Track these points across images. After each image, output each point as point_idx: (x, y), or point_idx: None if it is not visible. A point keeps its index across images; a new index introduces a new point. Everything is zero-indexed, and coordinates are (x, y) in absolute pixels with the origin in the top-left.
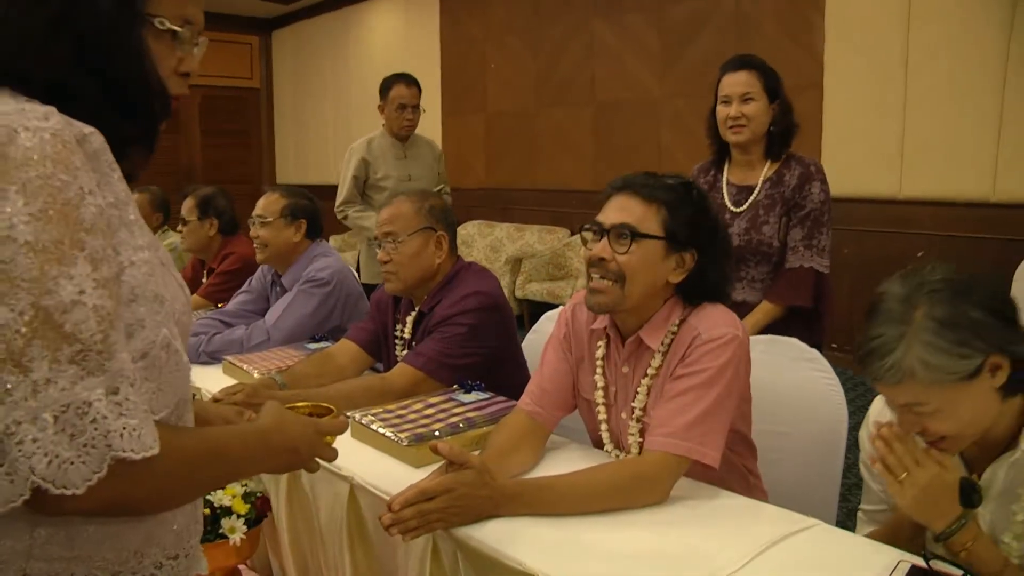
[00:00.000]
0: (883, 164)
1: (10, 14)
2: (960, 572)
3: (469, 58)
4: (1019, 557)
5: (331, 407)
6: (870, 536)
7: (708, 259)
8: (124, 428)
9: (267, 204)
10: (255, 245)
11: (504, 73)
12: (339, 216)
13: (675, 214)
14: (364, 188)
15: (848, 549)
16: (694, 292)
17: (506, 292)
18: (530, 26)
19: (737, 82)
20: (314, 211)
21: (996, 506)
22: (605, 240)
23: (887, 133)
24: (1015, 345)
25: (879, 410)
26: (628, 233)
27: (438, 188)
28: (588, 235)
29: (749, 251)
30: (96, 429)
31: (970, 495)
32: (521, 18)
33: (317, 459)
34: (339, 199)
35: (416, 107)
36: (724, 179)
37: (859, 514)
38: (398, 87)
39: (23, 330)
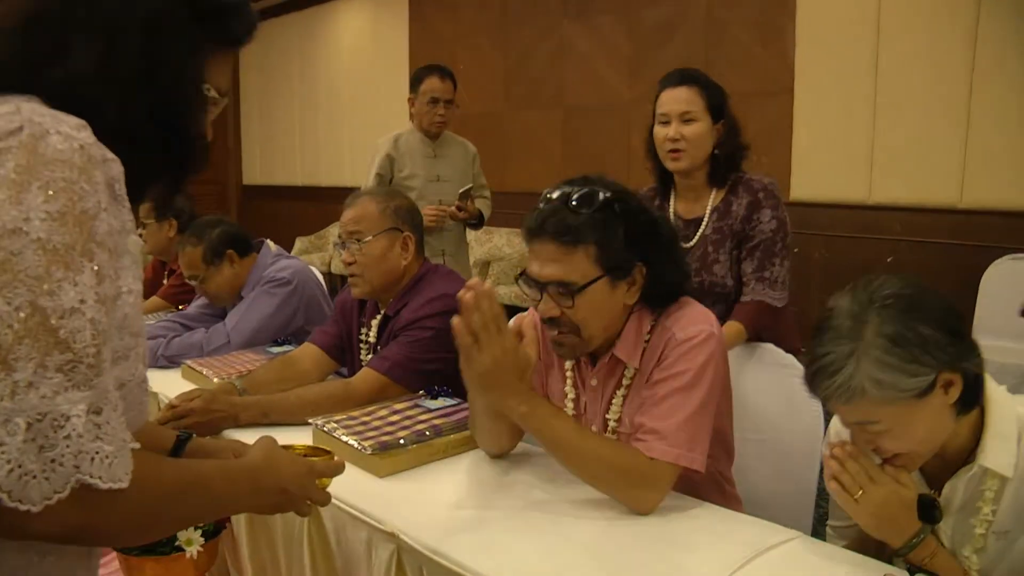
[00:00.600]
0: (853, 169)
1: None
2: None
3: (438, 59)
4: (979, 571)
5: (329, 450)
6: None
7: (658, 262)
8: (97, 453)
9: (189, 261)
10: (209, 299)
11: (473, 74)
12: None
13: (607, 246)
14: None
15: (830, 562)
16: (657, 298)
17: None
18: (500, 27)
19: (677, 99)
20: (231, 234)
21: (956, 520)
22: (546, 296)
23: (857, 139)
24: (966, 361)
25: (838, 428)
26: (567, 292)
27: (467, 189)
28: (526, 289)
29: (702, 293)
30: (68, 447)
31: (931, 511)
32: (491, 19)
33: (308, 503)
34: None
35: (450, 102)
36: (671, 210)
37: (828, 530)
38: (430, 79)
39: (15, 326)
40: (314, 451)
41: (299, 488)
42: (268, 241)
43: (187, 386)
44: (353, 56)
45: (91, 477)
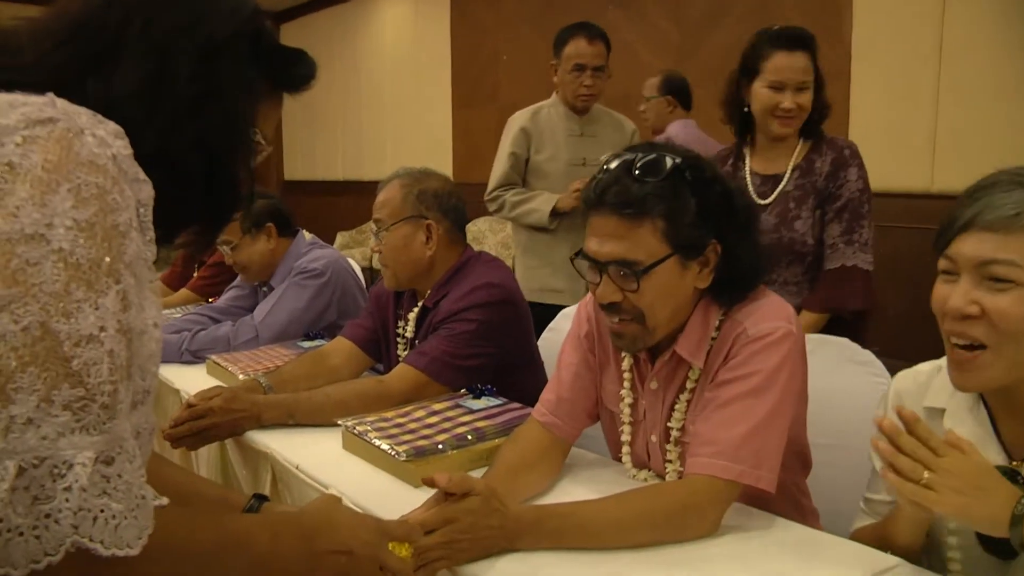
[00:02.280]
0: (914, 156)
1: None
2: None
3: (480, 49)
4: None
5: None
6: (858, 534)
7: (734, 241)
8: (102, 511)
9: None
10: (237, 271)
11: (516, 64)
12: (491, 207)
13: (676, 219)
14: (525, 171)
15: None
16: (729, 286)
17: None
18: (543, 16)
19: (795, 67)
20: (275, 209)
21: None
22: (607, 278)
23: (918, 123)
24: None
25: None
26: (631, 272)
27: None
28: (584, 270)
29: (780, 250)
30: (67, 501)
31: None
32: (533, 8)
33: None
34: (491, 183)
35: (600, 69)
36: (747, 168)
37: (860, 504)
38: (576, 41)
39: (20, 350)
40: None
41: (365, 547)
42: (303, 231)
43: (213, 383)
44: (394, 49)
45: (91, 541)
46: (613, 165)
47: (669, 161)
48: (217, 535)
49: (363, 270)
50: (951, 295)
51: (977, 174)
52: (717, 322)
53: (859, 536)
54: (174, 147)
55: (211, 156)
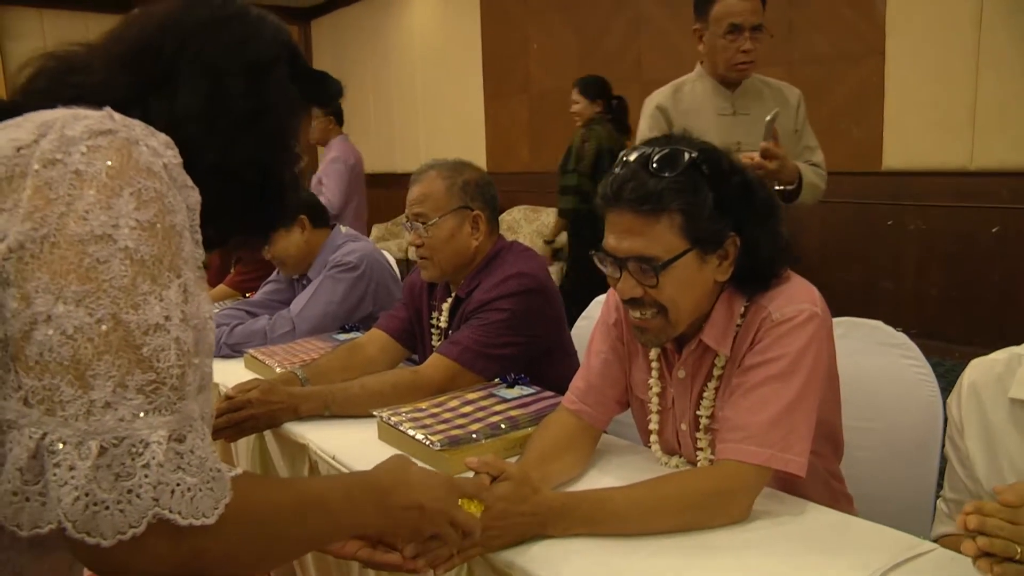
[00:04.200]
0: (952, 133)
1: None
2: None
3: (510, 38)
4: None
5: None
6: (946, 540)
7: (753, 233)
8: (179, 484)
9: None
10: (274, 263)
11: (547, 52)
12: None
13: (694, 213)
14: None
15: None
16: (751, 276)
17: (554, 278)
18: (573, 3)
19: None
20: (308, 201)
21: None
22: (626, 273)
23: (957, 99)
24: None
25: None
26: (650, 268)
27: (773, 117)
28: (604, 265)
29: None
30: (147, 476)
31: None
32: None
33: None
34: None
35: (759, 28)
36: None
37: (939, 504)
38: None
39: (96, 340)
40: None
41: (436, 502)
42: (339, 224)
43: (249, 376)
44: (424, 40)
45: (170, 512)
46: (631, 158)
47: (686, 155)
48: (293, 497)
49: (398, 262)
50: None
51: (1019, 150)
52: (742, 309)
53: (949, 546)
54: (232, 159)
55: (263, 167)
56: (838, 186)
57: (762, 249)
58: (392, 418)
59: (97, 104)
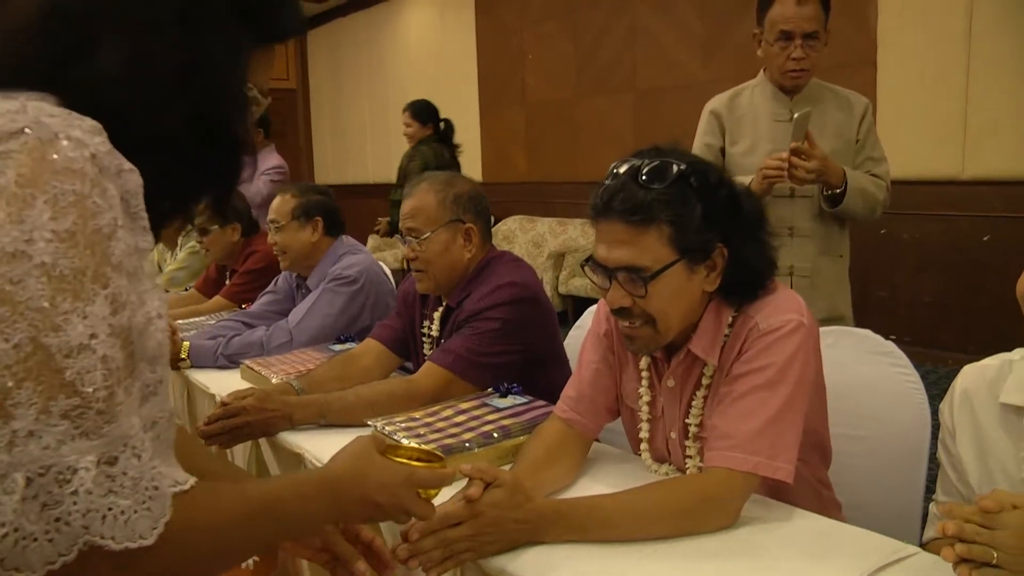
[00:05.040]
0: (944, 143)
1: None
2: None
3: (506, 49)
4: None
5: (439, 454)
6: (935, 544)
7: (741, 244)
8: (111, 509)
9: (279, 207)
10: (275, 252)
11: (543, 63)
12: None
13: (682, 225)
14: (723, 165)
15: None
16: (738, 287)
17: (549, 288)
18: (569, 11)
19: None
20: (329, 207)
21: None
22: (616, 284)
23: (948, 110)
24: None
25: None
26: (639, 278)
27: (805, 115)
28: (593, 276)
29: None
30: (76, 504)
31: None
32: (558, 5)
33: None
34: None
35: (813, 36)
36: None
37: (931, 508)
38: (781, 3)
39: (14, 368)
40: (427, 455)
41: (391, 498)
42: (344, 236)
43: (245, 387)
44: (420, 50)
45: (102, 538)
46: (621, 170)
47: (675, 167)
48: (243, 505)
49: (394, 272)
50: None
51: (1010, 160)
52: (730, 319)
53: (938, 550)
54: (169, 123)
55: (207, 125)
56: None
57: (749, 260)
58: (386, 427)
59: (13, 85)
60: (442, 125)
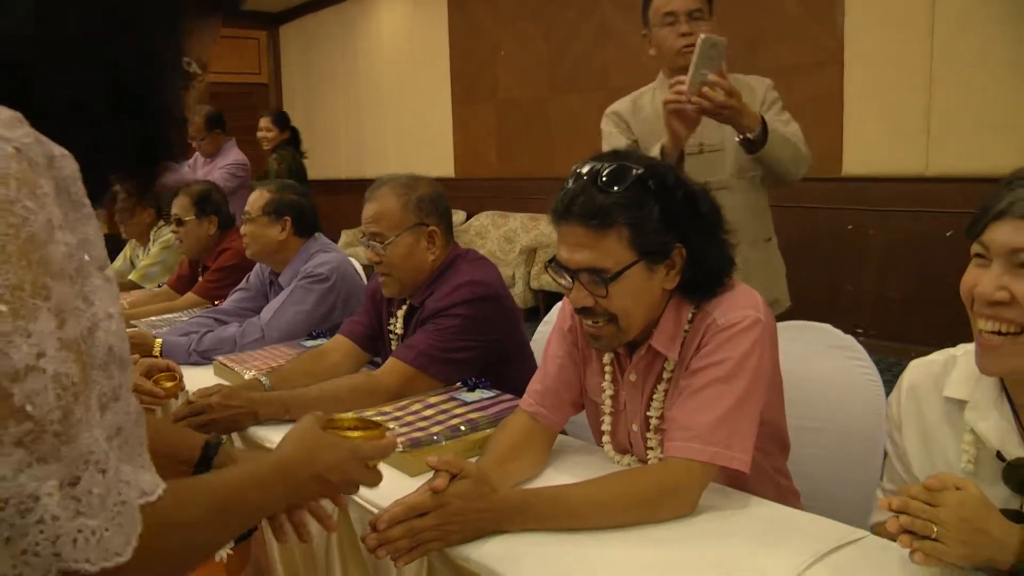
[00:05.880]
0: (908, 141)
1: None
2: None
3: (479, 45)
4: None
5: (380, 423)
6: (881, 527)
7: (699, 243)
8: (80, 531)
9: (254, 200)
10: (243, 241)
11: (515, 60)
12: None
13: (641, 227)
14: None
15: (904, 565)
16: (697, 285)
17: (521, 283)
18: (542, 10)
19: None
20: (301, 208)
21: None
22: (578, 284)
23: (912, 108)
24: None
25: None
26: (600, 279)
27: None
28: (557, 276)
29: None
30: (42, 532)
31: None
32: (532, 1)
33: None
34: None
35: (697, 15)
36: None
37: (877, 494)
38: None
39: None
40: (365, 424)
41: (340, 475)
42: (317, 233)
43: (219, 383)
44: (393, 46)
45: (76, 562)
46: (581, 173)
47: (633, 171)
48: (211, 502)
49: (365, 268)
50: (980, 280)
51: (972, 157)
52: (690, 315)
53: (884, 532)
54: (86, 89)
55: (132, 94)
56: (799, 192)
57: (707, 259)
58: None
59: None
60: (293, 130)
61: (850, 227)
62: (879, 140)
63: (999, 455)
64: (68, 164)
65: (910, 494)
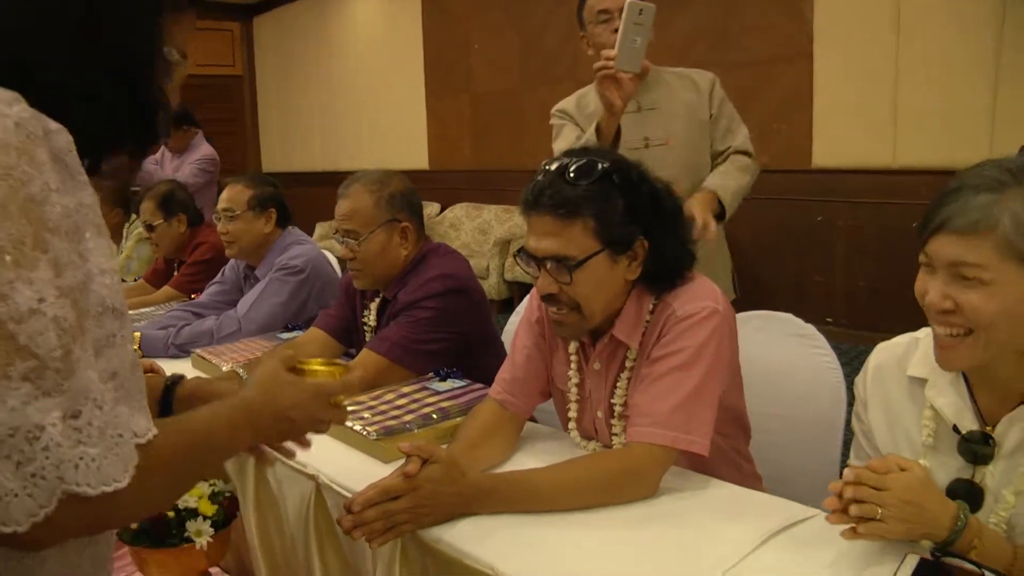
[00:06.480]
0: (876, 133)
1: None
2: (969, 565)
3: (452, 37)
4: (1014, 513)
5: (343, 364)
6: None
7: (661, 237)
8: (81, 458)
9: (233, 196)
10: (224, 240)
11: (488, 52)
12: None
13: (606, 218)
14: None
15: (852, 542)
16: (658, 277)
17: (495, 275)
18: (513, 2)
19: None
20: (282, 198)
21: (1007, 464)
22: (544, 272)
23: (880, 101)
24: None
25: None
26: (565, 267)
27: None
28: (525, 264)
29: None
30: (47, 458)
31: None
32: None
33: (325, 421)
34: None
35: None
36: None
37: (845, 473)
38: None
39: None
40: (330, 365)
41: (304, 414)
42: (291, 226)
43: (197, 375)
44: (368, 39)
45: (77, 485)
46: (550, 168)
47: (600, 165)
48: (189, 439)
49: (340, 260)
50: (929, 289)
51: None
52: (651, 306)
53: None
54: (83, 75)
55: (124, 82)
56: (770, 184)
57: (668, 252)
58: None
59: None
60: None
61: (820, 218)
62: (848, 133)
63: (955, 429)
64: (62, 137)
65: (859, 478)
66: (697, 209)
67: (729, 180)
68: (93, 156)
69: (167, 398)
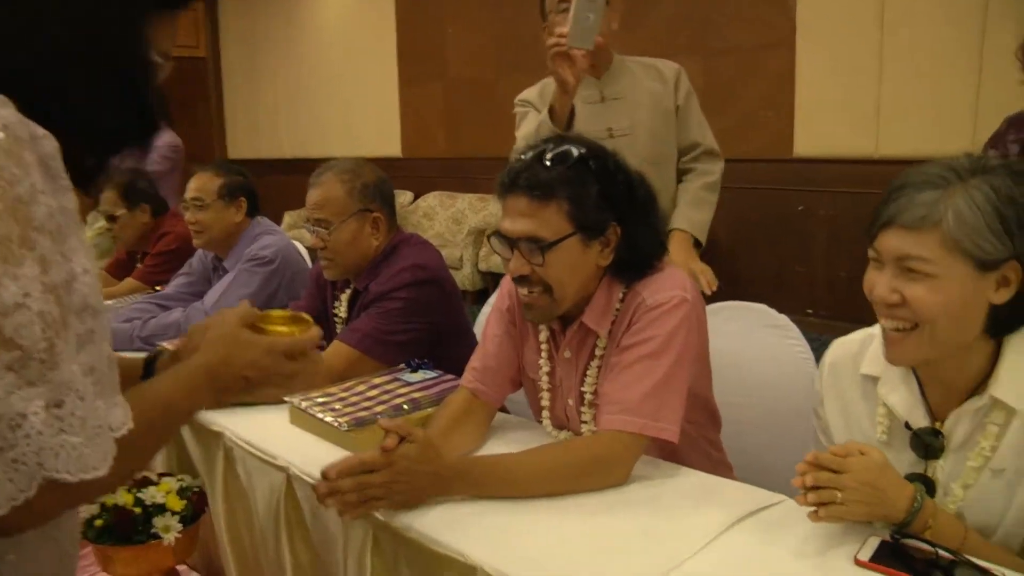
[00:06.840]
0: (859, 122)
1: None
2: (924, 545)
3: (427, 22)
4: (962, 505)
5: (306, 317)
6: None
7: (633, 225)
8: (62, 446)
9: (202, 185)
10: (192, 230)
11: (463, 39)
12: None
13: (580, 202)
14: None
15: (816, 525)
16: (629, 266)
17: (468, 265)
18: None
19: None
20: (252, 187)
21: (955, 457)
22: (517, 253)
23: (863, 90)
24: None
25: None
26: (537, 248)
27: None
28: (498, 246)
29: None
30: (28, 445)
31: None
32: None
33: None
34: None
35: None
36: None
37: (807, 456)
38: None
39: None
40: (295, 319)
41: (258, 371)
42: (259, 216)
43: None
44: (339, 22)
45: (57, 472)
46: (528, 153)
47: (575, 151)
48: (150, 411)
49: (309, 250)
50: (877, 284)
51: (919, 139)
52: (621, 295)
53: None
54: (68, 85)
55: (112, 85)
56: (752, 173)
57: (640, 240)
58: (303, 403)
59: None
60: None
61: (801, 208)
62: (830, 122)
63: (907, 425)
64: (47, 143)
65: (820, 460)
66: (694, 267)
67: (700, 213)
68: (97, 157)
69: (148, 374)
